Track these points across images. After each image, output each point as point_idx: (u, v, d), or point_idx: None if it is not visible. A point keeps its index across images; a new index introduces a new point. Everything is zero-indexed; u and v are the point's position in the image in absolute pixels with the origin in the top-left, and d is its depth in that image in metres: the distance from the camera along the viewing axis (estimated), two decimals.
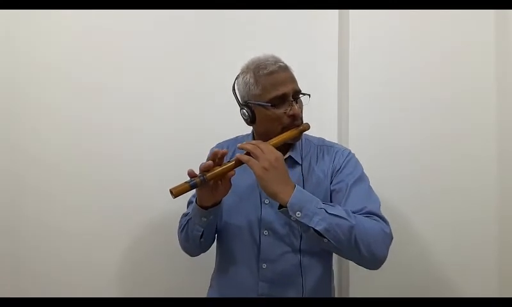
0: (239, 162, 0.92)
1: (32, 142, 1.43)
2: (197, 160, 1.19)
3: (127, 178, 1.47)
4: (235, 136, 1.20)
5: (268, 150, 0.90)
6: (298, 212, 0.86)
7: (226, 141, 1.20)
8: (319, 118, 1.49)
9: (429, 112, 1.44)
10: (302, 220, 0.86)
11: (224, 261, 1.11)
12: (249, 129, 1.13)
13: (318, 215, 0.86)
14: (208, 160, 0.94)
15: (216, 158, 0.93)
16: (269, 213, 1.03)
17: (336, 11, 1.54)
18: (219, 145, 1.19)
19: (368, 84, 1.48)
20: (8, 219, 1.42)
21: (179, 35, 1.50)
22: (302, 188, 0.91)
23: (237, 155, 0.92)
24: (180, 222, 1.13)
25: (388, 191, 1.42)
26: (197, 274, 1.26)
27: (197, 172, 0.93)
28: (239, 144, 0.94)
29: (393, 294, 1.40)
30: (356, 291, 1.46)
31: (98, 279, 1.46)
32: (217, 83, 1.49)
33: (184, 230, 1.08)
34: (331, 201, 1.02)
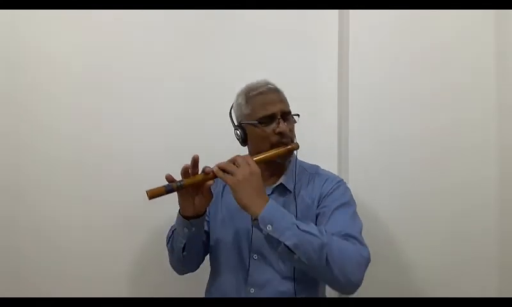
0: (215, 174, 0.93)
1: (33, 138, 1.43)
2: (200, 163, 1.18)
3: (129, 174, 1.47)
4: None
5: (244, 164, 0.90)
6: (269, 225, 0.87)
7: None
8: (319, 119, 1.50)
9: (430, 112, 1.44)
10: (273, 234, 0.87)
11: (215, 280, 1.11)
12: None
13: (289, 230, 0.87)
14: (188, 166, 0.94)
15: (196, 164, 0.94)
16: (260, 237, 1.00)
17: (336, 11, 1.53)
18: None
19: (368, 84, 1.48)
20: (8, 214, 1.43)
21: (179, 35, 1.50)
22: (277, 204, 0.91)
23: (213, 168, 0.93)
24: (167, 234, 1.13)
25: (387, 190, 1.42)
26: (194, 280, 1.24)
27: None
28: (217, 163, 0.94)
29: (394, 294, 1.40)
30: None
31: (96, 278, 1.46)
32: (217, 84, 1.49)
33: (170, 241, 1.09)
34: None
